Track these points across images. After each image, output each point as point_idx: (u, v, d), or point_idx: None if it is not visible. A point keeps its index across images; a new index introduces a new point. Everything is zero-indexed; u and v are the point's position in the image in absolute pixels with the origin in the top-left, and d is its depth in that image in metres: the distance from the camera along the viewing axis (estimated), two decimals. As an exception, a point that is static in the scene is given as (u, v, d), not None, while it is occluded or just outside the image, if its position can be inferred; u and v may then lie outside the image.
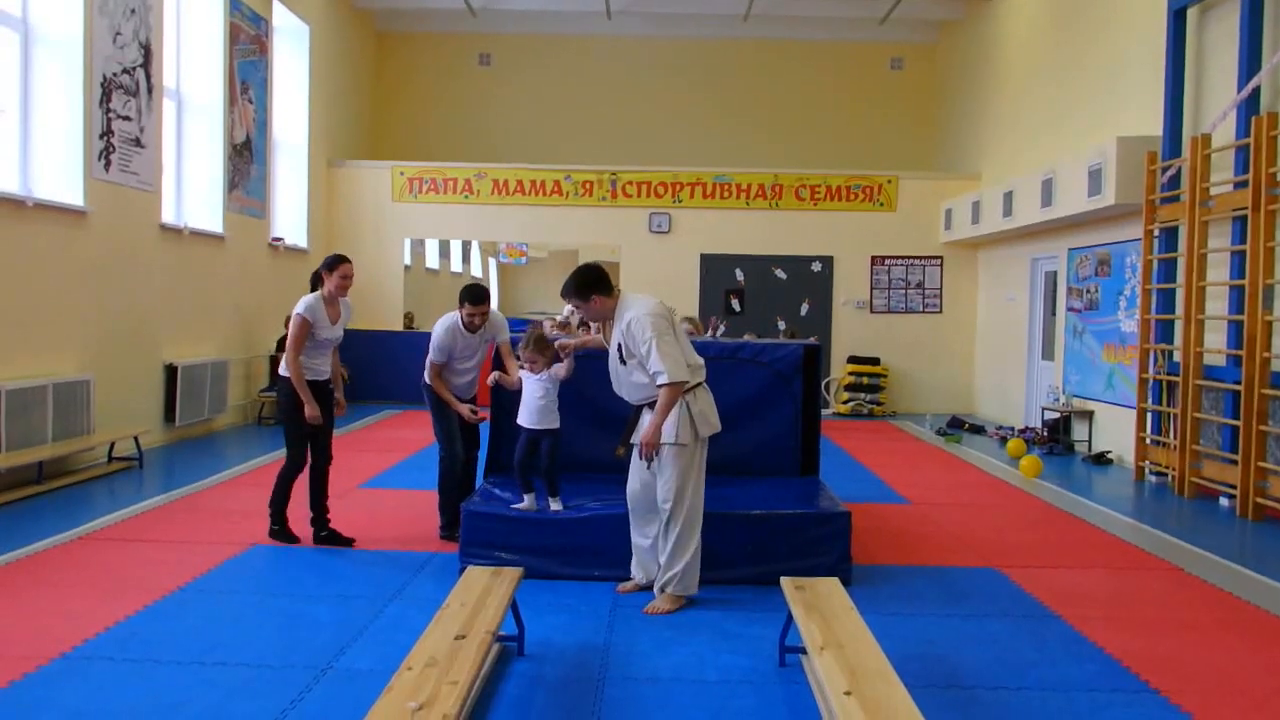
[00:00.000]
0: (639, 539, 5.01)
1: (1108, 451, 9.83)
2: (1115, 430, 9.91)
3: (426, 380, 6.10)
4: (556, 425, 5.36)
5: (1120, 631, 4.55)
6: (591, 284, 4.69)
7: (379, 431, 11.01)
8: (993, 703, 3.72)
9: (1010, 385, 12.84)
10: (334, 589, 5.02)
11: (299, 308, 5.63)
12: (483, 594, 3.93)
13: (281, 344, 8.56)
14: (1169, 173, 8.60)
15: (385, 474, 8.31)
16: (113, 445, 8.25)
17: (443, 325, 5.93)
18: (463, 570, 5.20)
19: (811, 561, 5.18)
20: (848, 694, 2.98)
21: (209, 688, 3.70)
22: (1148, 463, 8.82)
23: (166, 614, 4.54)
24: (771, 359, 6.28)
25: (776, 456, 6.28)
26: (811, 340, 6.91)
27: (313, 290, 5.78)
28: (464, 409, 6.02)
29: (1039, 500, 7.77)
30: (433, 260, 17.40)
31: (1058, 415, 10.80)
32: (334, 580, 5.17)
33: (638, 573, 5.05)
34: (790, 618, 4.05)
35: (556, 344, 5.26)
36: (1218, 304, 8.03)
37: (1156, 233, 8.80)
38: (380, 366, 13.67)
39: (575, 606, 4.69)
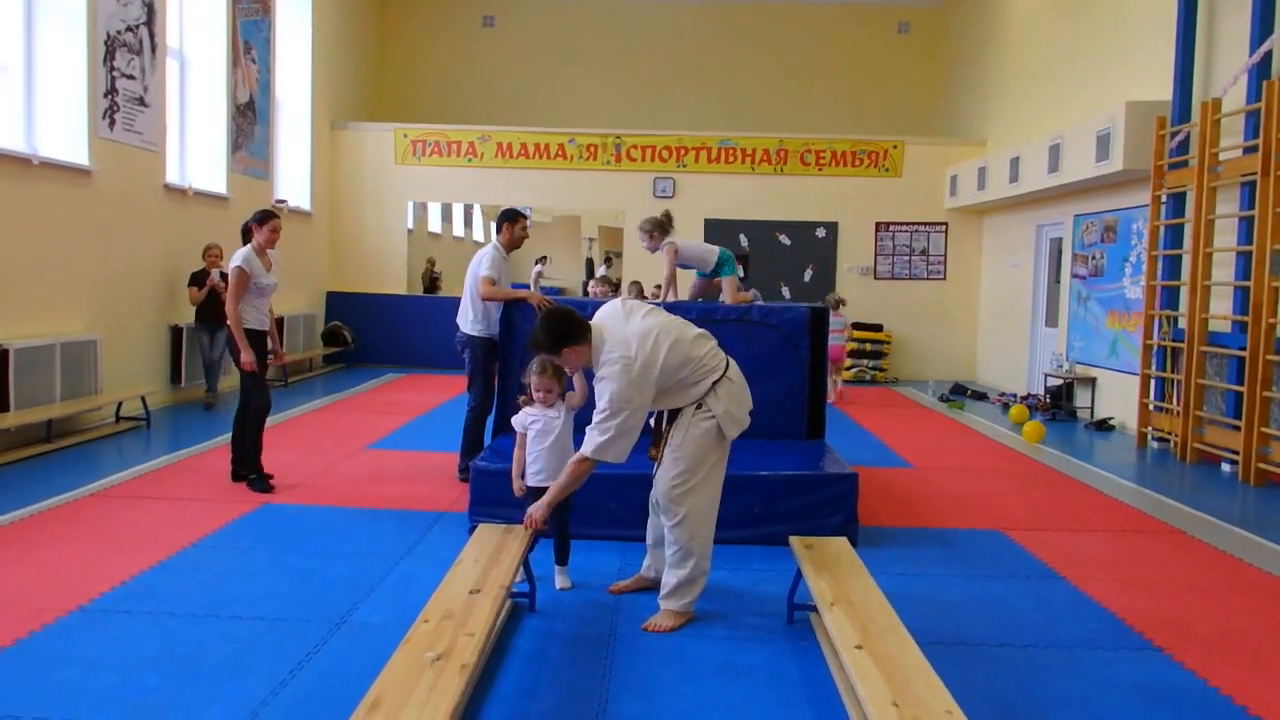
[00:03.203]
0: (650, 538, 4.44)
1: (1110, 418, 9.87)
2: (1118, 397, 9.94)
3: (478, 316, 6.52)
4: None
5: (1123, 592, 4.60)
6: (560, 336, 3.89)
7: (383, 395, 11.04)
8: (998, 659, 3.77)
9: (1013, 352, 12.86)
10: (346, 546, 5.06)
11: (236, 260, 6.03)
12: (496, 551, 3.97)
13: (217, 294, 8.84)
14: (1178, 138, 8.57)
15: (392, 436, 8.35)
16: (120, 405, 8.28)
17: (489, 250, 6.51)
18: (472, 529, 5.29)
19: (818, 523, 5.21)
20: (859, 648, 3.02)
21: (225, 640, 3.75)
22: (1150, 429, 8.86)
23: (180, 569, 4.59)
24: (779, 321, 6.29)
25: (783, 419, 6.30)
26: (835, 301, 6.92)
27: (244, 243, 6.19)
28: (535, 297, 6.41)
29: (1041, 465, 7.81)
30: (435, 224, 17.36)
31: (1061, 382, 10.83)
32: (345, 538, 5.22)
33: (649, 570, 4.49)
34: (799, 575, 4.10)
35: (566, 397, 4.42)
36: (1224, 270, 8.03)
37: (1164, 198, 8.78)
38: (383, 331, 13.70)
39: (584, 565, 4.73)
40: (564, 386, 4.40)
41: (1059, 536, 5.61)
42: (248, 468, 6.26)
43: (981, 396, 12.11)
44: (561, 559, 4.58)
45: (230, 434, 6.38)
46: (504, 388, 6.39)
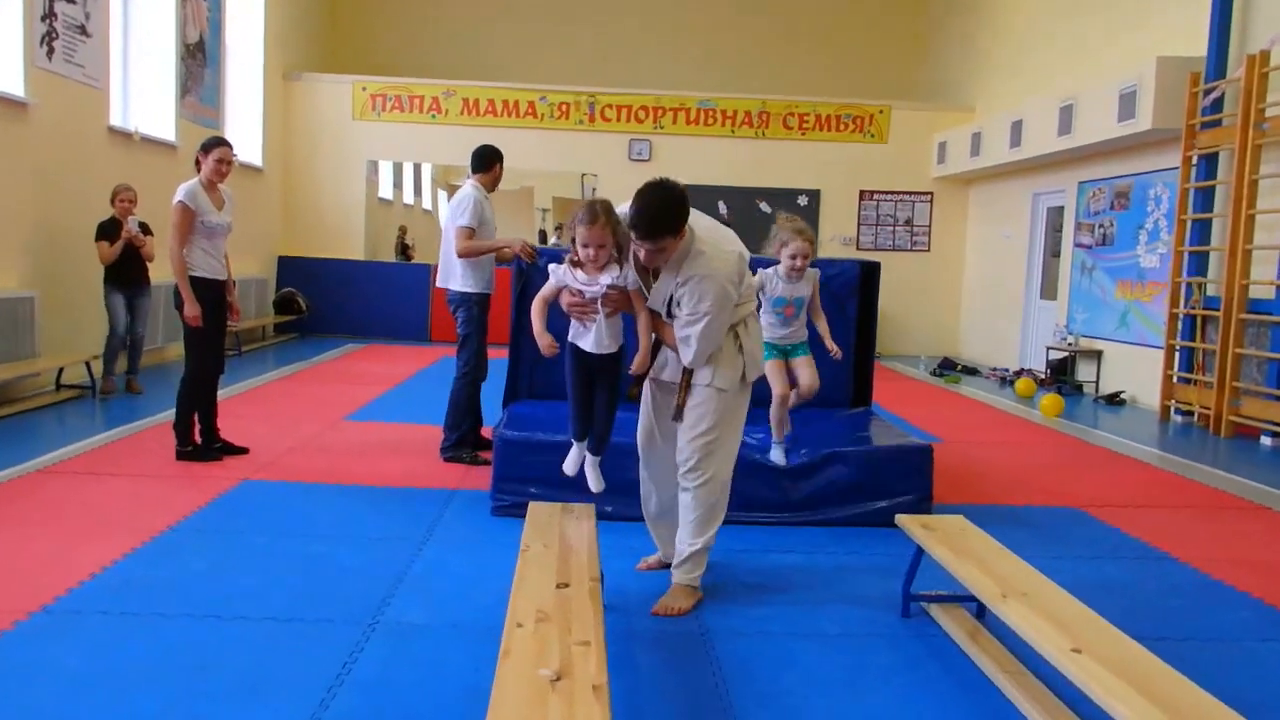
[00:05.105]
0: (651, 503, 3.83)
1: (1120, 392, 9.47)
2: (1127, 370, 9.56)
3: (462, 277, 5.59)
4: (622, 343, 3.53)
5: (1251, 574, 4.10)
6: (679, 215, 3.23)
7: (348, 364, 10.18)
8: (1173, 656, 3.20)
9: (1003, 326, 12.45)
10: (352, 529, 4.31)
11: (178, 195, 5.19)
12: (562, 535, 3.27)
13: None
14: (1212, 95, 8.13)
15: (370, 406, 7.55)
16: (61, 371, 7.33)
17: (469, 193, 5.58)
18: (497, 508, 4.60)
19: (891, 502, 4.63)
20: (1076, 651, 2.41)
21: (236, 646, 3.00)
22: (1174, 402, 8.46)
23: (161, 558, 3.81)
24: (824, 278, 5.62)
25: (828, 386, 5.66)
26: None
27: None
28: (517, 243, 5.53)
29: (1075, 439, 7.35)
30: (386, 190, 16.36)
31: (1063, 355, 10.43)
32: (349, 520, 4.46)
33: (657, 545, 3.92)
34: (916, 562, 3.49)
35: (602, 299, 3.38)
36: (1265, 234, 7.62)
37: (1195, 160, 8.34)
38: (340, 299, 12.76)
39: (641, 549, 4.04)
40: (615, 251, 3.33)
41: (1141, 514, 5.10)
42: (205, 436, 5.49)
43: (973, 371, 11.68)
44: (597, 448, 3.61)
45: (175, 409, 5.45)
46: (517, 359, 5.59)
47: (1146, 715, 2.08)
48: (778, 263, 4.55)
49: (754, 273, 3.80)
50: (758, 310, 3.80)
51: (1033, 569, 3.09)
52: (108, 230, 7.30)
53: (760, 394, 3.94)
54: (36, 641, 2.99)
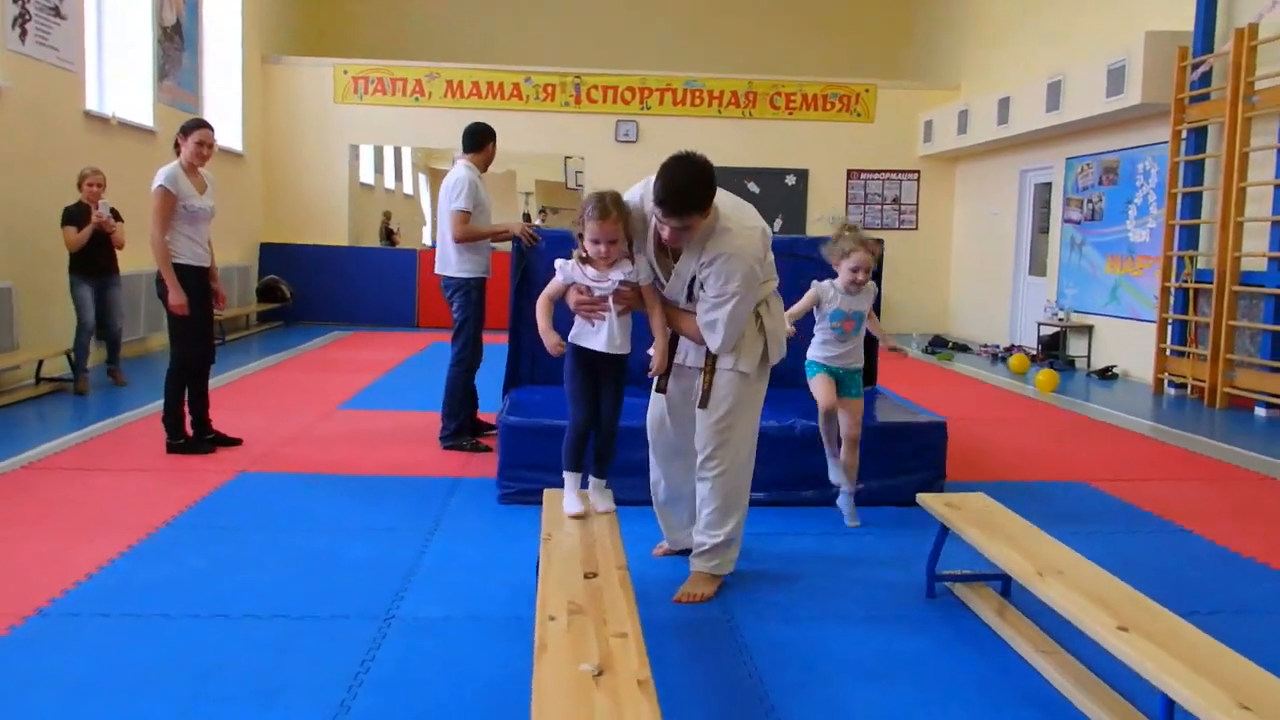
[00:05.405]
0: (661, 490, 3.69)
1: (1112, 366, 9.47)
2: (1118, 344, 9.56)
3: (460, 261, 5.46)
4: (629, 349, 3.29)
5: (1273, 547, 4.05)
6: (707, 192, 3.08)
7: (336, 352, 10.01)
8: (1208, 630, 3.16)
9: (992, 303, 12.43)
10: (357, 521, 4.20)
11: (158, 179, 5.01)
12: (580, 522, 3.17)
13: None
14: (1200, 69, 8.09)
15: (363, 394, 7.41)
16: (41, 364, 7.15)
17: (464, 175, 5.40)
18: (503, 495, 4.51)
19: (903, 479, 4.59)
20: (1123, 630, 2.35)
21: (247, 646, 2.89)
22: (1167, 375, 8.45)
23: (159, 556, 3.68)
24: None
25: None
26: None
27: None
28: (516, 227, 5.46)
29: (1073, 414, 7.33)
30: (368, 175, 16.13)
31: (1054, 330, 10.42)
32: (353, 511, 4.35)
33: (676, 541, 3.77)
34: (940, 541, 3.43)
35: (614, 295, 3.19)
36: (1257, 206, 7.60)
37: (1184, 134, 8.31)
38: (324, 286, 12.56)
39: (655, 535, 3.95)
40: (626, 247, 3.18)
41: (1150, 487, 5.06)
42: (197, 428, 5.35)
43: (963, 348, 11.67)
44: (601, 469, 3.31)
45: (163, 402, 5.30)
46: (517, 344, 5.46)
47: (1208, 694, 2.02)
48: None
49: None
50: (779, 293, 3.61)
51: (1064, 545, 3.03)
52: (75, 215, 6.94)
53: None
54: (34, 647, 2.86)
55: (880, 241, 4.48)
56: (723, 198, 3.22)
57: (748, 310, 3.24)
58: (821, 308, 4.26)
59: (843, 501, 4.34)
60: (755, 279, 3.21)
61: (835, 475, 4.32)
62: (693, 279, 3.22)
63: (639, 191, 3.25)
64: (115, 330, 7.35)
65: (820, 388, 4.26)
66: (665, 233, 3.11)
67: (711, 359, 3.31)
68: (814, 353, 4.32)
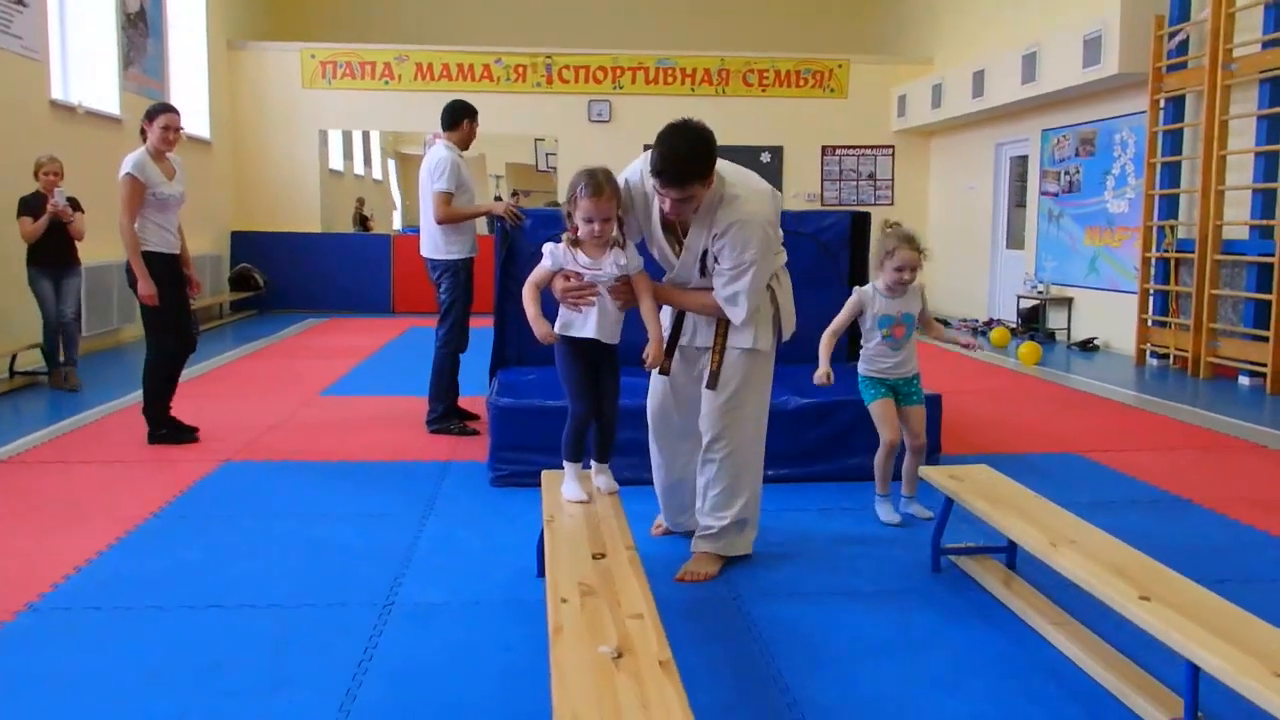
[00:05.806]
0: (663, 475, 3.59)
1: (1093, 338, 9.52)
2: (1098, 315, 9.60)
3: (441, 237, 5.36)
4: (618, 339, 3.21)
5: (1272, 515, 4.07)
6: (709, 159, 2.98)
7: (312, 339, 9.87)
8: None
9: (970, 277, 12.45)
10: (348, 508, 4.12)
11: (125, 167, 4.91)
12: (583, 502, 3.12)
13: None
14: (1177, 38, 8.10)
15: (345, 380, 7.30)
16: (14, 358, 6.98)
17: (445, 155, 5.28)
18: (496, 478, 4.44)
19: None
20: (1145, 599, 2.32)
21: (246, 637, 2.82)
22: (1149, 345, 8.50)
23: (148, 548, 3.59)
24: (816, 229, 5.53)
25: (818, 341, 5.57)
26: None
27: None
28: (500, 206, 5.35)
29: (1058, 385, 7.35)
30: (336, 161, 15.93)
31: (1034, 303, 10.45)
32: (343, 498, 4.27)
33: (678, 525, 3.69)
34: (945, 515, 3.40)
35: (611, 292, 3.10)
36: (1237, 174, 7.63)
37: (1162, 103, 8.32)
38: (297, 273, 12.38)
39: (652, 512, 3.89)
40: (618, 228, 3.08)
41: (1142, 457, 5.08)
42: (156, 422, 5.17)
43: (944, 323, 11.64)
44: (604, 453, 3.25)
45: (142, 394, 5.19)
46: (503, 326, 5.37)
47: (1238, 662, 1.99)
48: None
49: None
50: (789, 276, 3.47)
51: (1073, 516, 3.00)
52: (31, 205, 6.66)
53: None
54: (27, 643, 2.77)
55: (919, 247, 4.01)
56: (725, 165, 3.15)
57: (766, 277, 3.17)
58: (865, 316, 3.94)
59: (883, 511, 3.97)
60: (770, 244, 3.13)
61: (885, 514, 3.94)
62: (704, 253, 3.13)
63: (638, 167, 3.18)
64: (69, 324, 6.91)
65: (883, 416, 3.89)
66: (666, 205, 3.02)
67: (720, 339, 3.23)
68: (865, 367, 4.00)
